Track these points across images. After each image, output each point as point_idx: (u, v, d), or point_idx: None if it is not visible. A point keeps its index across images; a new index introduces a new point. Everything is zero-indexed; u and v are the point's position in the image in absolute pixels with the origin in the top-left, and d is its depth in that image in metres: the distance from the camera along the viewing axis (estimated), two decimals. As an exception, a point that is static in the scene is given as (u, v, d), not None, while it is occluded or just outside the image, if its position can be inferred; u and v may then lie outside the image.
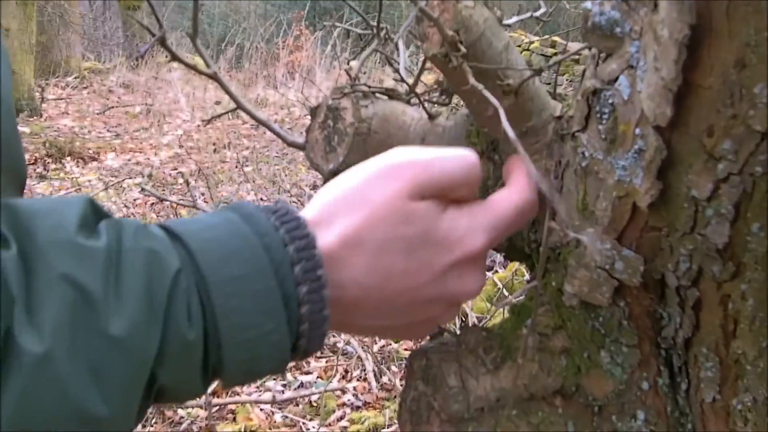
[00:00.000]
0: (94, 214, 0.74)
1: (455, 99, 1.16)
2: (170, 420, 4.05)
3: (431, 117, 1.13)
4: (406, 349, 4.48)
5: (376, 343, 4.53)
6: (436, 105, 1.16)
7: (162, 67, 13.56)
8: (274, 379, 4.34)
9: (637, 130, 0.89)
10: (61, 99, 12.52)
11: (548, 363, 1.01)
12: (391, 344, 4.59)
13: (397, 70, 1.19)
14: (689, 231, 0.88)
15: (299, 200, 6.44)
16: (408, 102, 1.17)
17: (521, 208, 0.91)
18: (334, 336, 4.65)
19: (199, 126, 10.17)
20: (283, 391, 4.21)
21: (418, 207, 0.81)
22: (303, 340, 0.76)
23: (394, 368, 4.33)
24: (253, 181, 7.82)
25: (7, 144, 0.87)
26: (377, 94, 1.15)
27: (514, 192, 0.92)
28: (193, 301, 0.70)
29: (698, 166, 0.85)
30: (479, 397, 0.99)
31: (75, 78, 13.74)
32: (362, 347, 4.45)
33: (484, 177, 1.10)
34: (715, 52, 0.81)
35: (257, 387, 4.28)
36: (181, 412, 4.08)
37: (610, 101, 0.92)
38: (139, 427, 3.95)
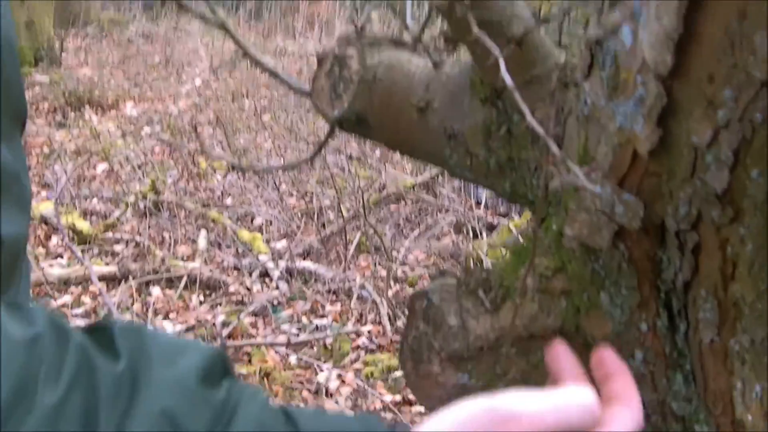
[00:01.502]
0: (223, 368, 0.72)
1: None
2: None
3: (436, 65, 1.13)
4: (420, 293, 4.49)
5: (391, 288, 4.55)
6: (441, 54, 1.16)
7: (181, 18, 13.50)
8: (289, 322, 4.37)
9: (639, 78, 0.89)
10: (81, 49, 12.48)
11: (548, 304, 1.02)
12: (406, 288, 4.61)
13: (403, 20, 1.19)
14: (689, 176, 0.89)
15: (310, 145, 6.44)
16: (414, 51, 1.17)
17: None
18: (349, 281, 4.68)
19: (217, 75, 10.15)
20: (298, 334, 4.24)
21: None
22: None
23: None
24: (271, 130, 7.81)
25: (7, 84, 0.88)
26: (383, 43, 1.15)
27: (626, 415, 0.83)
28: None
29: (698, 113, 0.85)
30: (478, 337, 1.00)
31: (95, 28, 13.69)
32: (377, 291, 4.47)
33: (488, 124, 1.11)
34: (717, 2, 0.81)
35: (273, 330, 4.31)
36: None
37: (612, 50, 0.93)
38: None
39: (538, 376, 1.04)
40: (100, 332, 0.69)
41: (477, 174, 1.15)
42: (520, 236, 4.50)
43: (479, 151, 1.12)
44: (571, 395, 0.78)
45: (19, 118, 0.93)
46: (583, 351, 1.03)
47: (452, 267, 4.67)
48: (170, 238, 5.65)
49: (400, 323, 4.20)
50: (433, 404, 1.09)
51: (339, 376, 3.90)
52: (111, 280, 4.85)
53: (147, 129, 8.23)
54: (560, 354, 0.88)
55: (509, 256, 1.09)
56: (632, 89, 0.90)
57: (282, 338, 4.17)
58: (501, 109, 1.10)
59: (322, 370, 3.91)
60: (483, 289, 1.03)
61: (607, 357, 0.89)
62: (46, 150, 7.51)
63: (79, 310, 4.60)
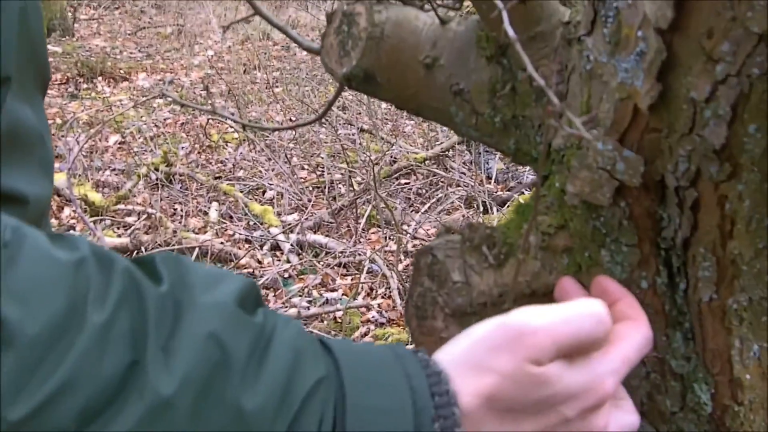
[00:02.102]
0: (256, 298, 0.75)
1: (467, 5, 1.17)
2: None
3: (443, 22, 1.15)
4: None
5: (401, 262, 4.57)
6: (448, 11, 1.17)
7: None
8: (300, 295, 4.40)
9: (640, 33, 0.90)
10: (93, 19, 12.52)
11: (550, 261, 1.03)
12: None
13: None
14: (688, 132, 0.90)
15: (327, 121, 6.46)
16: (421, 7, 1.18)
17: (643, 346, 0.91)
18: (359, 254, 4.70)
19: (230, 47, 10.16)
20: (308, 308, 4.27)
21: (545, 371, 0.78)
22: None
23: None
24: (283, 102, 7.83)
25: (34, 47, 0.89)
26: (391, 0, 1.17)
27: (634, 330, 0.91)
28: (327, 413, 0.70)
29: (697, 68, 0.87)
30: (482, 292, 1.02)
31: (107, -1, 13.72)
32: (387, 265, 4.49)
33: (493, 82, 1.12)
34: (716, -46, 0.82)
35: (283, 303, 4.34)
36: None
37: (614, 5, 0.94)
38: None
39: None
40: (143, 262, 0.72)
41: (482, 132, 1.16)
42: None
43: (484, 109, 1.14)
44: (582, 306, 0.84)
45: (43, 81, 0.95)
46: (584, 307, 1.06)
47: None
48: (182, 210, 5.69)
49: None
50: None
51: (349, 349, 3.92)
52: (123, 252, 4.88)
53: (159, 101, 8.26)
54: (568, 286, 0.92)
55: (513, 214, 1.11)
56: (633, 44, 0.91)
57: (292, 311, 4.20)
58: (506, 67, 1.11)
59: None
60: (487, 246, 1.04)
61: (608, 284, 0.97)
62: (58, 121, 7.55)
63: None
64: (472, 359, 0.79)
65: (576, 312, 0.83)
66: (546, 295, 1.04)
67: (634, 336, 0.90)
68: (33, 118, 0.86)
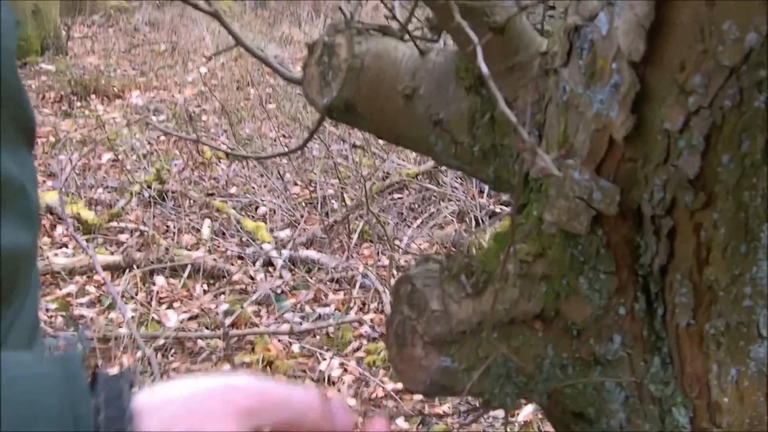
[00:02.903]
0: None
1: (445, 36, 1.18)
2: (190, 351, 4.12)
3: (422, 53, 1.16)
4: (422, 283, 4.51)
5: (393, 277, 4.57)
6: (427, 42, 1.18)
7: (187, 6, 13.51)
8: (292, 311, 4.40)
9: (614, 65, 0.91)
10: (87, 37, 12.51)
11: (529, 288, 1.04)
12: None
13: (391, 10, 1.21)
14: (663, 162, 0.91)
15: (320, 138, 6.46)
16: (401, 38, 1.19)
17: None
18: (352, 269, 4.70)
19: (223, 63, 10.17)
20: (301, 323, 4.26)
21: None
22: None
23: (409, 301, 4.37)
24: (276, 118, 7.83)
25: (7, 92, 0.88)
26: (371, 31, 1.17)
27: None
28: None
29: (671, 100, 0.88)
30: (461, 321, 1.03)
31: (101, 16, 13.72)
32: (379, 280, 4.49)
33: (472, 112, 1.13)
34: (687, -11, 0.83)
35: (276, 319, 4.34)
36: (200, 342, 4.15)
37: (589, 37, 0.95)
38: (160, 357, 4.03)
39: (519, 359, 1.06)
40: None
41: (462, 161, 1.17)
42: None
43: (464, 138, 1.15)
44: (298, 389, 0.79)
45: (25, 128, 0.93)
46: (563, 335, 1.06)
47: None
48: (174, 227, 5.68)
49: (403, 312, 4.22)
50: (417, 387, 1.12)
51: (341, 364, 3.93)
52: (115, 270, 4.88)
53: (153, 118, 8.26)
54: None
55: (491, 243, 1.12)
56: (608, 76, 0.92)
57: (285, 327, 4.20)
58: (485, 97, 1.12)
59: (324, 359, 3.94)
60: (465, 275, 1.05)
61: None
62: (52, 139, 7.55)
63: (84, 300, 4.63)
64: (181, 402, 0.74)
65: (292, 389, 0.78)
66: (525, 323, 1.05)
67: None
68: (13, 167, 0.85)
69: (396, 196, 5.97)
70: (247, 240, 5.28)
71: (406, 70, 1.17)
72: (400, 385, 3.69)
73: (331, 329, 4.20)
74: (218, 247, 5.32)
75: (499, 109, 1.09)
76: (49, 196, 5.77)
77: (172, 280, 4.82)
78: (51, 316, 4.41)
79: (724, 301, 0.98)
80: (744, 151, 0.88)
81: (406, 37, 1.18)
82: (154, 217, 5.77)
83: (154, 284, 4.77)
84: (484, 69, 0.82)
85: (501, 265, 1.00)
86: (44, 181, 6.52)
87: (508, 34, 1.06)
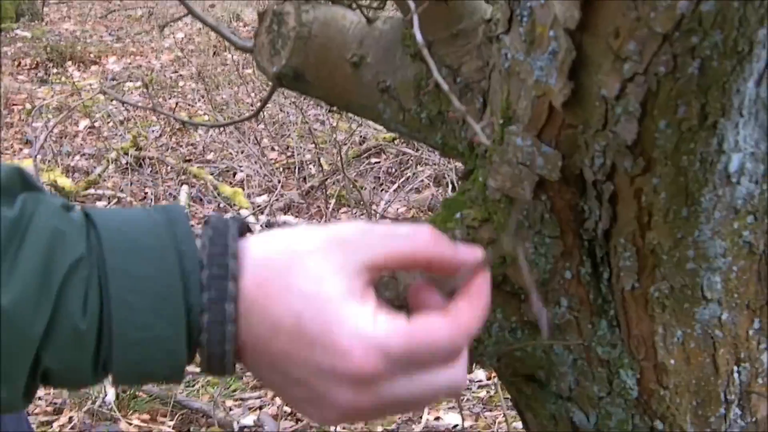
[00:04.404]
0: (21, 185, 0.72)
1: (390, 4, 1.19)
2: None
3: (369, 21, 1.16)
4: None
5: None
6: (374, 10, 1.19)
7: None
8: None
9: (551, 33, 0.92)
10: (63, 3, 12.43)
11: (475, 254, 1.05)
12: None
13: None
14: (601, 128, 0.92)
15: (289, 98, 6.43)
16: (349, 6, 1.20)
17: (447, 349, 0.76)
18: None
19: (200, 29, 10.10)
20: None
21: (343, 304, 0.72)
22: (204, 353, 0.72)
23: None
24: (252, 83, 7.81)
25: None
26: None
27: (449, 325, 0.76)
28: (91, 292, 0.68)
29: (606, 67, 0.89)
30: (407, 285, 1.04)
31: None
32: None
33: (418, 79, 1.14)
34: (620, -44, 0.84)
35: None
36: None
37: (528, 4, 0.95)
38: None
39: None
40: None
41: (410, 128, 1.18)
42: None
43: (411, 105, 1.15)
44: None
45: None
46: (510, 299, 1.08)
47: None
48: (152, 194, 5.69)
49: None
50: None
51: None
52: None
53: (129, 84, 8.23)
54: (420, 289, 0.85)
55: (441, 209, 1.13)
56: (546, 44, 0.93)
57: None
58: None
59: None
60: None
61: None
62: (28, 107, 7.52)
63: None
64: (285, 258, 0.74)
65: (403, 230, 0.79)
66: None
67: (442, 334, 0.76)
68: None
69: (373, 160, 5.98)
70: (225, 206, 5.28)
71: (353, 37, 1.17)
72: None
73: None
74: (196, 213, 5.33)
75: (444, 77, 1.10)
76: (24, 164, 5.76)
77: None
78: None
79: (668, 264, 0.99)
80: (680, 116, 0.89)
81: (354, 5, 1.18)
82: (131, 184, 5.78)
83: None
84: (419, 38, 0.83)
85: (450, 234, 1.02)
86: (20, 149, 6.51)
87: (452, 1, 1.07)
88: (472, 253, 0.82)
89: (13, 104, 7.69)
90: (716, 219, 0.96)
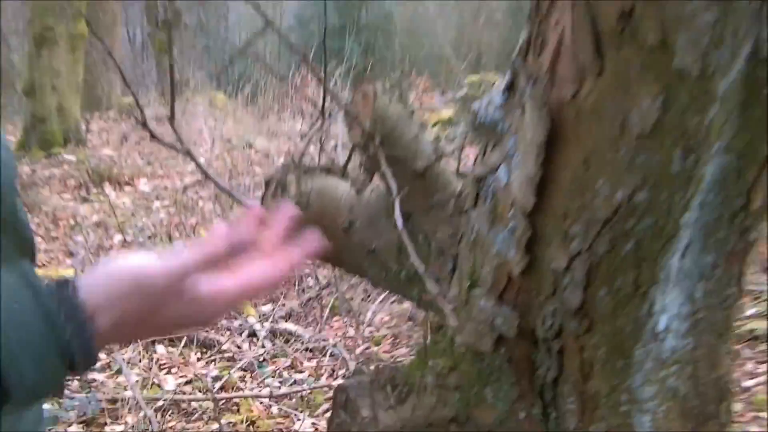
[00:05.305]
0: None
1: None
2: (185, 411, 4.08)
3: (358, 191, 1.18)
4: (384, 352, 4.51)
5: (358, 346, 4.57)
6: (362, 181, 1.20)
7: (189, 102, 13.58)
8: (272, 377, 4.38)
9: (511, 212, 0.94)
10: (103, 130, 12.54)
11: (444, 397, 1.05)
12: (371, 347, 4.62)
13: (331, 167, 1.23)
14: (551, 295, 0.93)
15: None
16: (342, 175, 1.21)
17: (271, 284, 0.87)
18: (323, 340, 4.69)
19: (218, 155, 10.19)
20: (279, 387, 4.24)
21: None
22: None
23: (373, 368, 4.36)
24: (263, 204, 7.83)
25: (7, 218, 0.90)
26: (316, 171, 1.20)
27: (272, 269, 0.86)
28: None
29: (556, 244, 0.90)
30: (387, 426, 1.04)
31: (115, 112, 13.75)
32: (347, 350, 4.48)
33: (399, 243, 1.15)
34: (567, 153, 0.86)
35: (258, 383, 4.31)
36: (194, 404, 4.12)
37: (492, 186, 0.98)
38: (159, 416, 3.99)
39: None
40: None
41: (391, 284, 1.19)
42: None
43: (393, 265, 1.16)
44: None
45: (23, 246, 0.95)
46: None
47: (410, 328, 4.69)
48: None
49: (367, 377, 4.22)
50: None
51: (313, 424, 3.89)
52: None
53: (157, 203, 8.27)
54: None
55: (416, 356, 1.13)
56: (507, 221, 0.94)
57: (266, 391, 4.17)
58: (410, 231, 1.14)
59: (299, 419, 3.91)
60: (391, 386, 1.07)
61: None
62: (71, 222, 7.54)
63: (96, 365, 4.58)
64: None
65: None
66: (441, 426, 1.06)
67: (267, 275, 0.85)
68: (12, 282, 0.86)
69: (364, 274, 5.97)
70: (234, 314, 5.25)
71: (345, 205, 1.19)
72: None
73: (305, 393, 4.18)
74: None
75: (421, 242, 1.12)
76: (66, 273, 5.75)
77: (170, 349, 4.78)
78: (68, 379, 4.37)
79: (605, 407, 0.99)
80: (617, 286, 0.90)
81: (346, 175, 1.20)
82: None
83: (155, 352, 4.73)
84: (399, 224, 0.84)
85: (419, 379, 1.02)
86: (64, 260, 6.50)
87: (428, 177, 1.09)
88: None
89: (59, 219, 7.71)
90: (646, 369, 0.97)
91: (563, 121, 0.86)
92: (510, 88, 0.94)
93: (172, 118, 1.18)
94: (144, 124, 1.14)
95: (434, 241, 1.10)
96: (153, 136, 1.17)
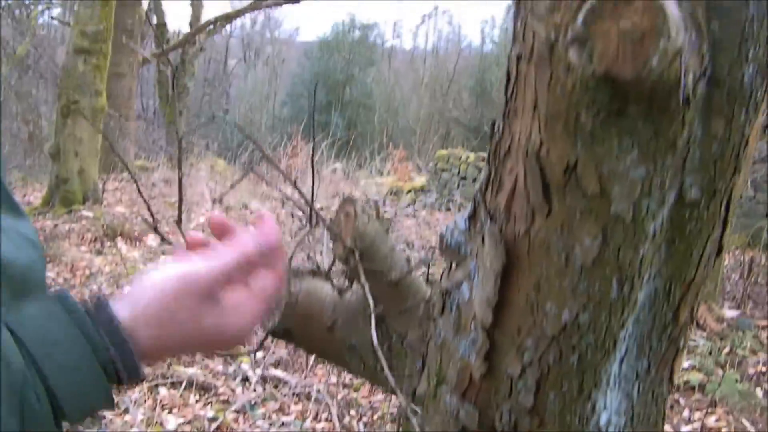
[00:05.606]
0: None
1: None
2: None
3: (340, 293, 1.19)
4: (363, 397, 4.48)
5: (339, 392, 4.53)
6: (344, 284, 1.21)
7: (193, 167, 13.59)
8: (263, 419, 4.33)
9: (472, 325, 0.95)
10: (117, 190, 12.51)
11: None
12: (351, 393, 4.59)
13: (317, 270, 1.24)
14: (508, 396, 0.94)
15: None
16: (327, 278, 1.22)
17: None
18: (308, 386, 4.65)
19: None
20: (269, 429, 4.19)
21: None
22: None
23: (353, 412, 4.33)
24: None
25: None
26: (304, 274, 1.21)
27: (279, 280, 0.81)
28: (38, 388, 0.68)
29: (511, 354, 0.92)
30: None
31: (128, 174, 13.75)
32: (329, 395, 4.45)
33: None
34: (521, 279, 0.88)
35: (250, 425, 4.26)
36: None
37: (456, 300, 0.99)
38: None
39: None
40: None
41: (369, 375, 1.20)
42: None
43: (370, 360, 1.17)
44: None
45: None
46: None
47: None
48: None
49: (347, 420, 4.19)
50: None
51: (300, 464, 3.86)
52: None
53: (163, 257, 8.22)
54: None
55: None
56: (468, 332, 0.96)
57: None
58: (384, 331, 1.15)
59: (286, 459, 3.88)
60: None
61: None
62: (87, 272, 7.49)
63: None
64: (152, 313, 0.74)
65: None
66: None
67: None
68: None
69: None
70: (230, 361, 5.21)
71: (328, 305, 1.20)
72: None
73: (292, 435, 4.14)
74: (208, 365, 5.25)
75: (394, 341, 1.13)
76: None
77: (172, 391, 4.73)
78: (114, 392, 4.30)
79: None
80: (564, 390, 0.91)
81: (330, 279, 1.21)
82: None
83: (158, 394, 4.68)
84: (375, 341, 0.85)
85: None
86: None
87: (401, 286, 1.10)
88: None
89: (76, 269, 7.66)
90: (592, 459, 0.98)
91: (518, 251, 0.87)
92: (472, 217, 0.96)
93: (179, 222, 1.19)
94: (155, 229, 1.14)
95: (405, 340, 1.11)
96: (163, 239, 1.18)
